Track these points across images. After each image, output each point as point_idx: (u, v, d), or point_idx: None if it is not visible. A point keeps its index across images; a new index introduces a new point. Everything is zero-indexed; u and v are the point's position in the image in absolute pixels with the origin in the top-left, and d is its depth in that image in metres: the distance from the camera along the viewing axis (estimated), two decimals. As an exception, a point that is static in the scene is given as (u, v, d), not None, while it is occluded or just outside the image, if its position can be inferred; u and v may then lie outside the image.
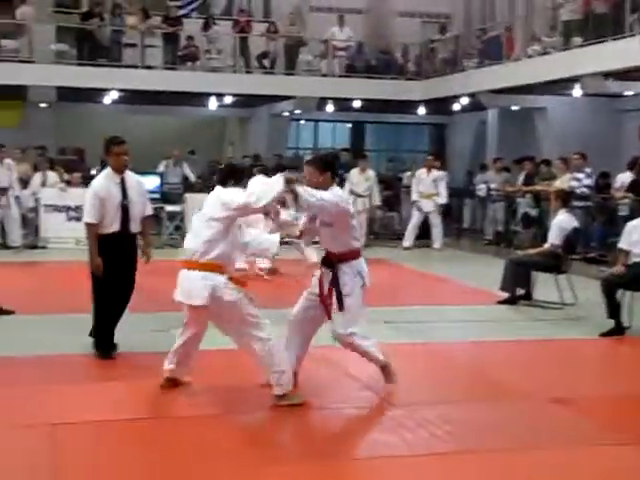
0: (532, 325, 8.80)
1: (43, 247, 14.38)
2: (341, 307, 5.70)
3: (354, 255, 5.80)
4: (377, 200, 15.98)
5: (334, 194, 5.65)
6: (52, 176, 15.28)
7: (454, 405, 5.88)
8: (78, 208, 14.55)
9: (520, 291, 9.81)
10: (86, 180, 15.61)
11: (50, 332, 7.77)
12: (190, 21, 19.69)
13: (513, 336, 8.25)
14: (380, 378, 6.48)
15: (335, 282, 5.69)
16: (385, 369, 6.12)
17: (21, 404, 5.61)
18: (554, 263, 9.70)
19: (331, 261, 5.77)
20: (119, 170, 7.00)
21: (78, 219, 14.47)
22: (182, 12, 19.74)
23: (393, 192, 18.08)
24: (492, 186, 16.57)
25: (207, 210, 5.63)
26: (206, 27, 18.99)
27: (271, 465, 4.62)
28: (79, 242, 14.43)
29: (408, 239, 15.83)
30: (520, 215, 15.26)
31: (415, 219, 15.88)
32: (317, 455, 4.83)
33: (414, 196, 15.85)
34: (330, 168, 5.78)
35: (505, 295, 9.79)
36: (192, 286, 5.52)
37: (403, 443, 4.98)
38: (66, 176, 15.65)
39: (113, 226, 6.80)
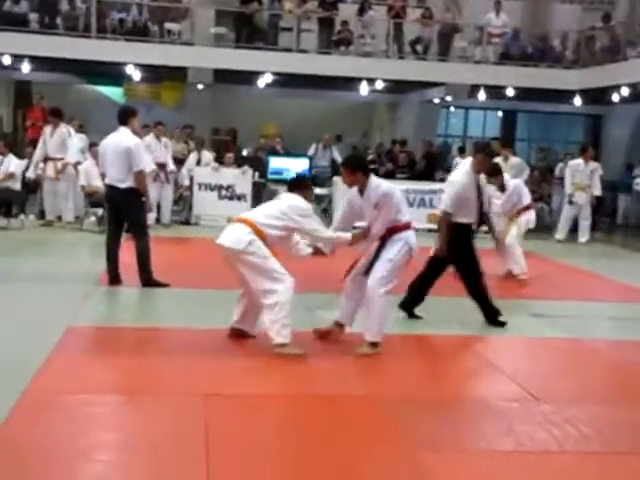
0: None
1: (196, 224, 14.86)
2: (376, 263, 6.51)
3: (401, 228, 6.61)
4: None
5: (377, 194, 6.53)
6: (206, 155, 15.75)
7: (603, 404, 5.70)
8: (230, 187, 15.06)
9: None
10: (237, 161, 16.08)
11: (200, 306, 8.05)
12: (345, 6, 19.84)
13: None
14: (527, 372, 6.39)
15: (381, 247, 6.56)
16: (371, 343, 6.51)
17: (175, 373, 5.82)
18: None
19: (382, 236, 6.60)
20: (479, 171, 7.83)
21: (230, 198, 15.01)
22: (338, -3, 19.85)
23: (545, 183, 17.60)
24: (651, 181, 15.90)
25: (283, 204, 6.44)
26: (361, 12, 19.06)
27: (423, 452, 4.62)
28: (230, 220, 14.90)
29: (561, 231, 15.37)
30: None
31: (569, 212, 15.37)
32: (465, 446, 4.79)
33: (569, 189, 15.31)
34: (360, 169, 6.66)
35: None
36: (238, 235, 6.21)
37: (552, 439, 4.86)
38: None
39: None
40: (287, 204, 6.42)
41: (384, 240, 6.57)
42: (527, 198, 10.93)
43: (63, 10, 18.16)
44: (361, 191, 6.68)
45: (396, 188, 6.82)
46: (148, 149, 13.93)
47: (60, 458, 4.31)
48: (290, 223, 6.33)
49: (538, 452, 4.71)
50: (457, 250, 7.61)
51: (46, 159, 13.80)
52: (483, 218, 8.01)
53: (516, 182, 10.96)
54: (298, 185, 6.69)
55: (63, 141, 13.78)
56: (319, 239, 6.60)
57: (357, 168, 6.69)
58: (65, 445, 4.46)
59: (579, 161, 15.27)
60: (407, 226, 6.68)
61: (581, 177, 15.14)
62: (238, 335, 6.63)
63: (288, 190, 6.68)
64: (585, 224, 15.27)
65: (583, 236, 15.22)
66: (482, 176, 8.05)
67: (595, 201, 15.39)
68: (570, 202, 15.26)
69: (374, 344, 6.49)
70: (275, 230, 6.29)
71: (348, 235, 6.62)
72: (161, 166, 14.27)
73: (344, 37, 18.79)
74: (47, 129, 13.90)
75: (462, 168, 7.95)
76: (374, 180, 6.70)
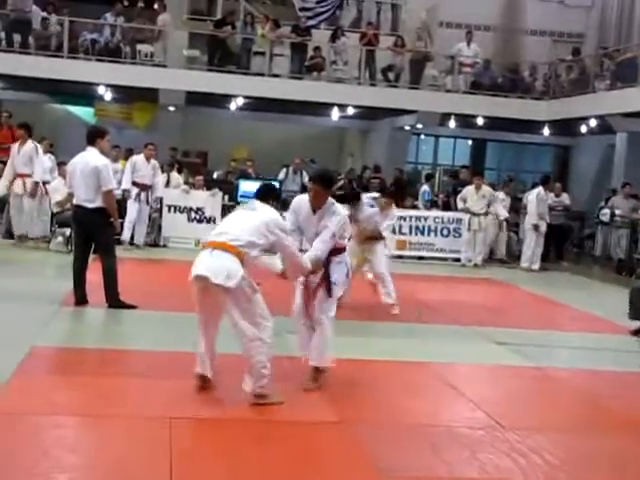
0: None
1: (164, 246, 14.78)
2: (329, 294, 6.23)
3: (342, 249, 6.42)
4: (502, 214, 15.75)
5: (338, 221, 6.20)
6: (176, 177, 15.72)
7: (569, 433, 5.72)
8: (199, 210, 15.00)
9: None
10: (207, 183, 16.06)
11: (166, 328, 7.98)
12: (318, 32, 19.97)
13: (635, 368, 7.95)
14: (493, 400, 6.40)
15: (327, 272, 6.22)
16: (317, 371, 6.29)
17: (140, 396, 5.77)
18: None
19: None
20: None
21: (199, 220, 14.96)
22: (311, 23, 19.99)
23: (514, 212, 17.74)
24: (617, 212, 16.08)
25: (261, 218, 5.73)
26: (334, 38, 19.20)
27: (388, 478, 4.61)
28: (198, 243, 14.86)
29: (527, 260, 15.48)
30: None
31: (534, 240, 15.49)
32: (428, 473, 4.78)
33: (535, 218, 15.43)
34: (331, 187, 6.38)
35: (636, 324, 9.39)
36: (228, 267, 5.47)
37: (517, 468, 4.87)
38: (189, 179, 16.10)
39: None
40: (267, 218, 5.69)
41: (327, 263, 6.21)
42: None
43: (36, 29, 18.11)
44: (314, 210, 6.24)
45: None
46: (134, 168, 13.99)
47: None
48: (271, 239, 5.66)
49: (500, 480, 4.71)
50: None
51: (14, 175, 13.67)
52: None
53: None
54: (271, 194, 6.03)
55: (30, 157, 13.63)
56: (292, 259, 5.91)
57: (330, 185, 6.33)
58: (27, 467, 4.38)
59: (542, 190, 15.45)
60: (345, 248, 6.50)
61: (544, 207, 15.39)
62: (208, 385, 5.93)
63: (258, 199, 5.92)
64: (540, 251, 15.48)
65: (536, 264, 15.42)
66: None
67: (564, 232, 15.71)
68: (536, 230, 15.37)
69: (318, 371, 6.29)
70: (256, 250, 5.61)
71: (309, 262, 5.99)
72: (144, 187, 14.20)
73: (316, 63, 18.91)
74: (14, 146, 13.75)
75: None
76: (332, 200, 6.31)
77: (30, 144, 13.65)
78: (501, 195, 16.13)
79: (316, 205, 6.21)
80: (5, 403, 5.36)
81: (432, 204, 17.46)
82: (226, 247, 5.53)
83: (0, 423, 4.99)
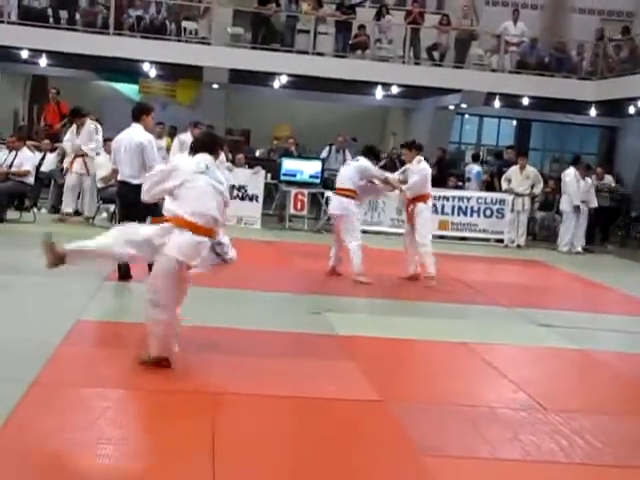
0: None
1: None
2: None
3: None
4: (537, 191, 15.58)
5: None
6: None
7: (612, 416, 5.67)
8: (242, 187, 15.06)
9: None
10: (249, 161, 16.11)
11: (209, 304, 8.01)
12: (363, 10, 19.84)
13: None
14: (535, 381, 6.36)
15: None
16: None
17: (182, 370, 5.79)
18: None
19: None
20: None
21: (242, 198, 15.03)
22: (356, 1, 19.86)
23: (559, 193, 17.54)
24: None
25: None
26: (379, 16, 19.06)
27: (427, 458, 4.59)
28: (240, 221, 14.95)
29: (570, 242, 15.33)
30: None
31: (575, 221, 15.35)
32: (470, 452, 4.76)
33: (577, 199, 15.26)
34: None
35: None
36: (195, 247, 5.70)
37: (559, 450, 4.84)
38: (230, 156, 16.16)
39: None
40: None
41: None
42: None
43: (82, 7, 18.26)
44: None
45: None
46: (182, 147, 14.07)
47: (66, 451, 4.31)
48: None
49: (545, 462, 4.68)
50: None
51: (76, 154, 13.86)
52: None
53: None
54: (212, 145, 6.37)
55: (90, 136, 13.82)
56: None
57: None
58: (71, 438, 4.45)
59: (575, 172, 15.25)
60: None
61: (582, 189, 15.28)
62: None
63: (201, 152, 6.16)
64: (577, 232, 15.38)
65: (578, 246, 15.28)
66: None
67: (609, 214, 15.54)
68: (577, 211, 15.21)
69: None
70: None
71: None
72: None
73: (361, 41, 18.80)
74: (73, 127, 13.94)
75: None
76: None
77: (90, 124, 13.87)
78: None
79: None
80: (53, 375, 5.44)
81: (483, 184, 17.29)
82: (187, 225, 5.74)
83: (47, 394, 5.07)
